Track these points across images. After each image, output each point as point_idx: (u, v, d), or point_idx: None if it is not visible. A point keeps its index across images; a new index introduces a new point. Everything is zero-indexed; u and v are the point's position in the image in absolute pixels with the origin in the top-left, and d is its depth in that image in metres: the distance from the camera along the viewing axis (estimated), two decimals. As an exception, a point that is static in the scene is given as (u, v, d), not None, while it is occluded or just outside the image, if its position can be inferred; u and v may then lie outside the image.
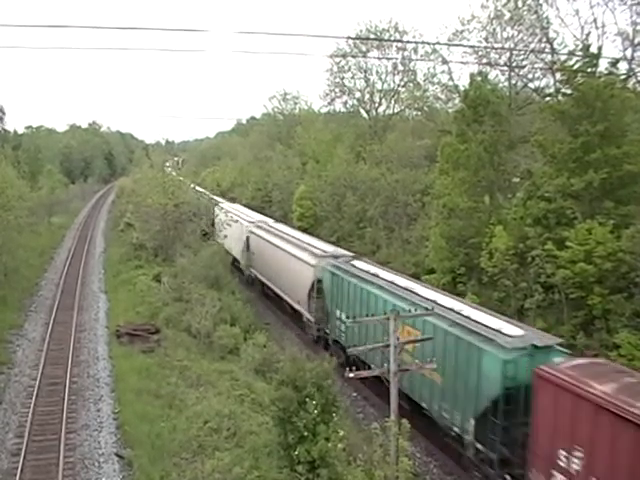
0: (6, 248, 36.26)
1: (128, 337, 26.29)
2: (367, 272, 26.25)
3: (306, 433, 14.96)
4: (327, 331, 28.76)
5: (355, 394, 25.66)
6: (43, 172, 77.08)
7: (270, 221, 45.11)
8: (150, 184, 45.01)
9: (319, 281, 29.26)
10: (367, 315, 21.09)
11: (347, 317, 24.16)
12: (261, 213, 53.04)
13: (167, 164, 73.55)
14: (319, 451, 14.75)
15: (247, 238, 42.46)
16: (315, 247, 32.70)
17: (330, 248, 33.11)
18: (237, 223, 44.78)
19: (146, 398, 20.36)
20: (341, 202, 47.80)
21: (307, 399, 15.12)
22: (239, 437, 17.47)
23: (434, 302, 20.63)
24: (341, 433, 15.61)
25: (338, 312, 26.88)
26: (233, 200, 67.28)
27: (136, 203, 47.45)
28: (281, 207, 59.48)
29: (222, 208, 51.84)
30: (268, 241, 38.21)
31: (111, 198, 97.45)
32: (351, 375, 16.26)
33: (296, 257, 32.63)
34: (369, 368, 22.53)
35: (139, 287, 34.49)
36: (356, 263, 28.45)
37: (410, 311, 18.12)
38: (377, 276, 25.44)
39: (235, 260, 46.00)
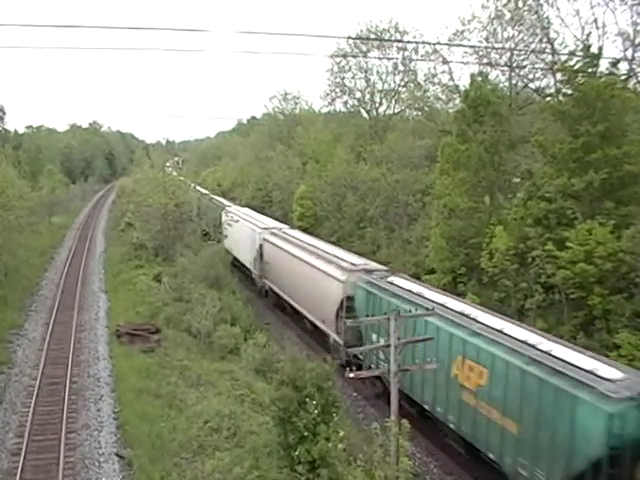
0: (7, 248, 36.30)
1: (128, 337, 26.29)
2: (410, 291, 22.91)
3: (306, 433, 14.96)
4: (360, 357, 24.67)
5: (355, 394, 25.64)
6: (44, 172, 77.21)
7: (285, 227, 41.62)
8: (151, 184, 45.13)
9: (349, 299, 25.76)
10: (417, 347, 18.88)
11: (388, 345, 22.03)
12: (264, 214, 52.54)
13: (167, 164, 73.67)
14: (319, 451, 14.76)
15: (260, 246, 38.96)
16: (342, 259, 29.09)
17: (359, 260, 29.32)
18: (248, 229, 42.01)
19: (146, 398, 20.36)
20: (341, 202, 47.81)
21: (307, 399, 15.13)
22: (239, 437, 17.48)
23: (501, 332, 17.93)
24: (341, 433, 15.62)
25: (375, 337, 23.10)
26: (234, 200, 66.99)
27: (137, 203, 47.49)
28: (281, 207, 59.51)
29: (230, 213, 48.67)
30: (286, 251, 34.69)
31: (112, 198, 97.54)
32: (351, 375, 16.26)
33: (321, 270, 29.09)
34: (415, 404, 20.96)
35: (139, 287, 34.52)
36: (394, 279, 25.06)
37: (481, 350, 16.62)
38: (422, 296, 22.19)
39: (235, 259, 45.28)
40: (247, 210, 52.22)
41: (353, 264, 27.94)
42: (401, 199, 41.98)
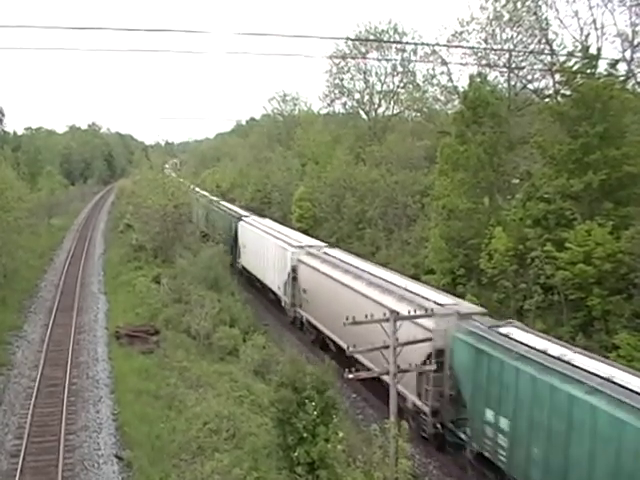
0: (6, 249, 36.32)
1: (127, 338, 26.28)
2: (544, 353, 16.02)
3: (305, 434, 14.99)
4: (463, 436, 18.56)
5: (355, 395, 25.62)
6: (43, 173, 77.36)
7: (322, 245, 34.73)
8: (150, 185, 45.16)
9: (440, 353, 18.90)
10: (561, 434, 14.20)
11: (511, 426, 16.04)
12: (260, 214, 52.17)
13: (167, 165, 73.68)
14: (318, 452, 14.78)
15: (293, 269, 32.58)
16: (422, 296, 21.62)
17: (444, 298, 21.84)
18: (276, 247, 35.94)
19: (145, 399, 20.37)
20: (340, 203, 47.81)
21: (307, 401, 15.14)
22: (238, 438, 17.48)
23: None
24: (340, 434, 15.64)
25: (490, 413, 17.01)
26: (232, 201, 66.72)
27: (136, 204, 47.53)
28: (280, 208, 59.53)
29: (248, 225, 43.34)
30: (332, 277, 27.59)
31: (111, 199, 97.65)
32: (350, 376, 16.30)
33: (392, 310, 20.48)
34: None
35: (138, 288, 34.49)
36: (510, 331, 18.03)
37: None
38: (568, 363, 15.33)
39: (256, 280, 40.81)
40: (270, 222, 44.72)
41: (439, 304, 20.43)
42: (400, 200, 41.98)
